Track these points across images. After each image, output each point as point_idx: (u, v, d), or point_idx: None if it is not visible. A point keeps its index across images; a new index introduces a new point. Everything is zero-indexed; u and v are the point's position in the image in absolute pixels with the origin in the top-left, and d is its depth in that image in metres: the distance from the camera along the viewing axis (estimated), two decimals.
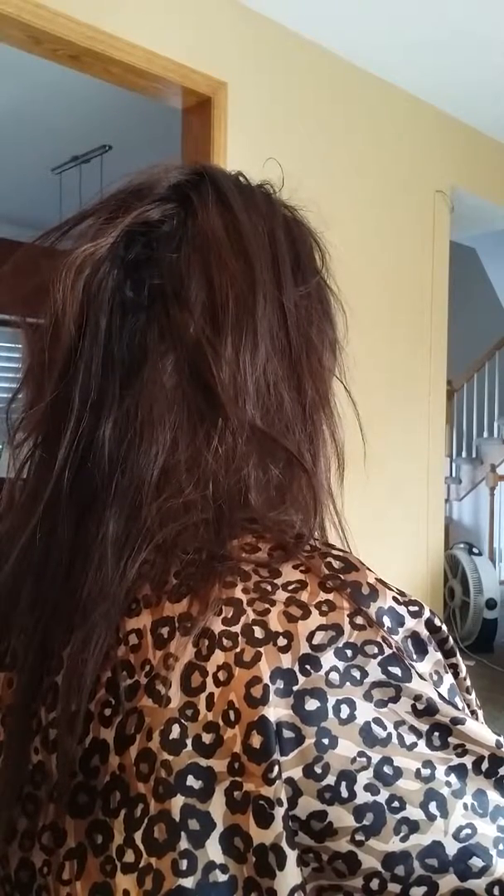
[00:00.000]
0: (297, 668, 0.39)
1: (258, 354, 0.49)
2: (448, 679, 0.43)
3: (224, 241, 0.51)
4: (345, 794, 0.39)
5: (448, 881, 0.40)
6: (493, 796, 0.42)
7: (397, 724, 0.40)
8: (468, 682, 0.46)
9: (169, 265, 0.50)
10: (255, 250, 0.51)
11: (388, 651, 0.41)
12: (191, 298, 0.49)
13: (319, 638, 0.40)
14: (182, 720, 0.40)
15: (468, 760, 0.41)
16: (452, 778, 0.41)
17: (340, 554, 0.45)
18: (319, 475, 0.53)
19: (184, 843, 0.39)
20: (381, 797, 0.39)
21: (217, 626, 0.41)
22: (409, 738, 0.40)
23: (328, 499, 0.54)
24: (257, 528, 0.46)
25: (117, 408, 0.47)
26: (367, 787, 0.39)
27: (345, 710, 0.39)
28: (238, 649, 0.40)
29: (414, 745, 0.40)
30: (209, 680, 0.40)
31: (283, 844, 0.39)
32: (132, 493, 0.46)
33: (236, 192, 0.54)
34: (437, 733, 0.41)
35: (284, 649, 0.40)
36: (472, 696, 0.46)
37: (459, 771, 0.41)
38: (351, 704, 0.39)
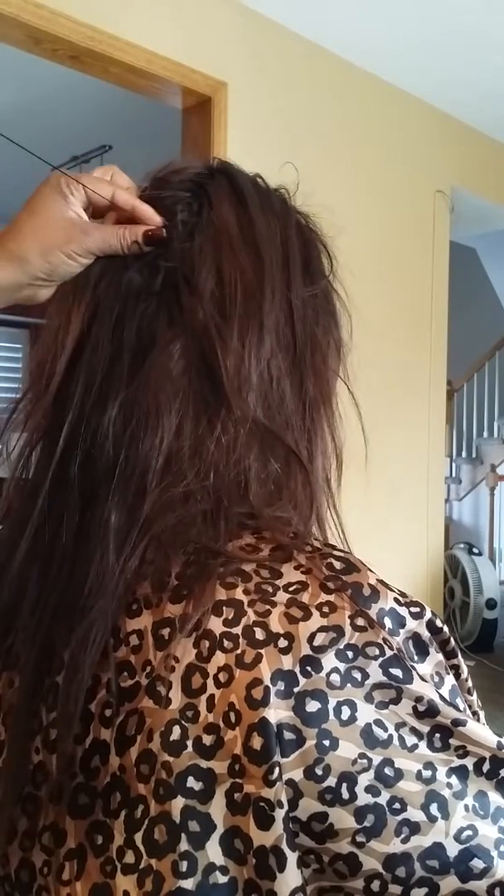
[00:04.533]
0: (297, 670, 0.39)
1: (263, 348, 0.50)
2: (449, 680, 0.43)
3: (237, 235, 0.52)
4: (346, 795, 0.39)
5: (449, 882, 0.40)
6: (495, 798, 0.42)
7: (398, 726, 0.40)
8: (469, 684, 0.46)
9: (182, 253, 0.51)
10: (267, 247, 0.52)
11: (389, 653, 0.41)
12: (200, 286, 0.50)
13: (320, 639, 0.40)
14: (183, 721, 0.40)
15: (469, 762, 0.41)
16: (453, 779, 0.41)
17: (341, 555, 0.44)
18: (316, 473, 0.53)
19: (184, 845, 0.39)
20: (382, 799, 0.39)
21: (218, 628, 0.41)
22: (410, 740, 0.40)
23: (325, 497, 0.54)
24: (255, 526, 0.46)
25: (124, 392, 0.48)
26: (368, 789, 0.39)
27: (346, 712, 0.39)
28: (239, 651, 0.40)
29: (415, 746, 0.40)
30: (210, 681, 0.40)
31: (284, 846, 0.39)
32: (136, 481, 0.46)
33: (253, 190, 0.55)
34: (438, 735, 0.41)
35: (285, 651, 0.40)
36: (474, 698, 0.46)
37: (460, 772, 0.41)
38: (352, 706, 0.39)
